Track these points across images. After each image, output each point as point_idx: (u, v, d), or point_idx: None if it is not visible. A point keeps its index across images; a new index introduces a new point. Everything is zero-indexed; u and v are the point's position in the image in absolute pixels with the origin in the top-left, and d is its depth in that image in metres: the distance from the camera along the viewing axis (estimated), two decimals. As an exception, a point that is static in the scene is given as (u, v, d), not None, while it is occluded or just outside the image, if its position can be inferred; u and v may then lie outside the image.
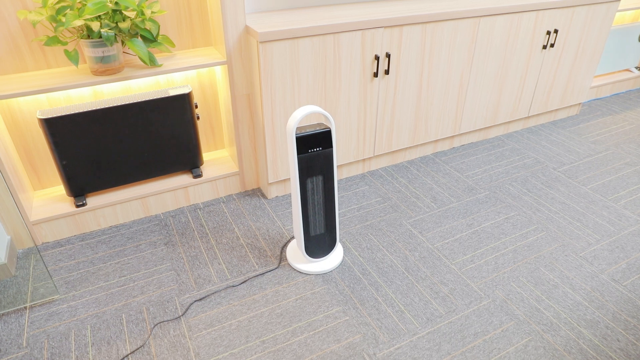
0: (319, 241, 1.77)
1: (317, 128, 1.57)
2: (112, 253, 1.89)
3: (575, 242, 1.93)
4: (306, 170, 1.60)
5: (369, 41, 2.00)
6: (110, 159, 1.95)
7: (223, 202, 2.20)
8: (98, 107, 1.82)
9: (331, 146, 1.60)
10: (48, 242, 1.95)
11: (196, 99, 2.16)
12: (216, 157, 2.31)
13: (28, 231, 1.89)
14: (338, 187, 2.31)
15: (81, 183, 1.94)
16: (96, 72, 1.76)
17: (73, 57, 1.59)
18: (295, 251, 1.86)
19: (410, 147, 2.50)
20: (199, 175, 2.14)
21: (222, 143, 2.37)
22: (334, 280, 1.75)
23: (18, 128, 1.89)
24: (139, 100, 1.88)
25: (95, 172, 1.94)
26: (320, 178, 1.64)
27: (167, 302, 1.66)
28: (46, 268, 1.60)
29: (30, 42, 1.77)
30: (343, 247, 1.91)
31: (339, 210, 2.14)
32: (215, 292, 1.69)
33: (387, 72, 2.10)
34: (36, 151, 1.96)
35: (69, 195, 1.96)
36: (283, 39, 1.82)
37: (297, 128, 1.57)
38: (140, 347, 1.49)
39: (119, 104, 1.85)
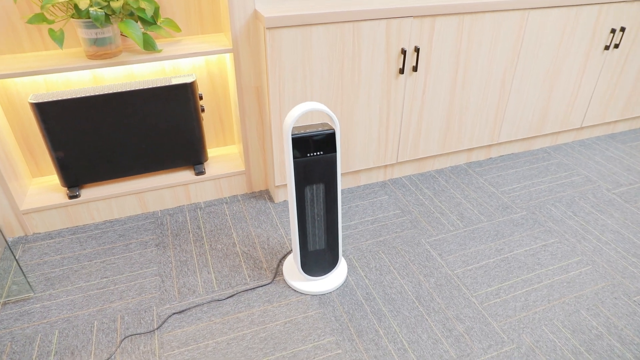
0: (318, 258, 1.55)
1: (320, 129, 1.35)
2: (100, 250, 1.76)
3: (629, 282, 1.60)
4: (304, 177, 1.39)
5: (395, 32, 1.75)
6: (106, 150, 1.82)
7: (226, 203, 2.03)
8: (93, 94, 1.69)
9: (335, 151, 1.38)
10: (39, 233, 1.86)
11: (204, 90, 2.00)
12: (224, 153, 2.14)
13: (17, 220, 1.80)
14: (354, 194, 2.08)
15: (75, 173, 1.83)
16: (90, 56, 1.63)
17: (57, 38, 1.46)
18: (293, 266, 1.66)
19: (439, 155, 2.22)
20: (201, 172, 1.98)
21: (233, 139, 2.20)
22: (332, 304, 1.53)
23: (15, 112, 1.80)
24: (137, 88, 1.73)
25: (91, 162, 1.82)
26: (321, 186, 1.43)
27: (145, 311, 1.50)
28: (19, 267, 1.49)
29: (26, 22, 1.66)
30: (348, 265, 1.68)
31: (346, 223, 1.91)
32: (198, 306, 1.52)
33: (415, 68, 1.85)
34: (34, 137, 1.86)
35: (63, 186, 1.85)
36: (294, 26, 1.61)
37: (297, 127, 1.36)
38: (105, 362, 1.34)
39: (117, 91, 1.71)
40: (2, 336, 1.42)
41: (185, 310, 1.50)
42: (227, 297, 1.55)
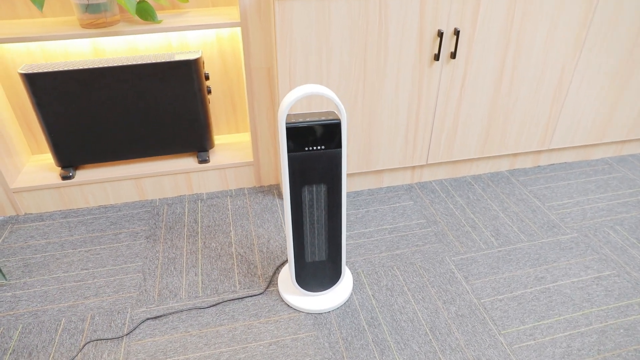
0: (317, 271, 1.33)
1: (323, 118, 1.12)
2: (88, 238, 1.62)
3: None
4: (301, 175, 1.16)
5: (431, 10, 1.48)
6: (103, 129, 1.67)
7: (230, 196, 1.84)
8: (88, 66, 1.54)
9: (340, 146, 1.14)
10: (31, 214, 1.75)
11: (215, 70, 1.80)
12: (234, 141, 1.95)
13: (8, 199, 1.69)
14: (374, 197, 1.83)
15: (70, 153, 1.69)
16: (85, 24, 1.47)
17: (36, 0, 1.31)
18: (289, 277, 1.44)
19: (477, 159, 1.92)
20: (204, 161, 1.80)
21: (246, 126, 2.00)
22: (328, 326, 1.29)
23: (13, 85, 1.68)
24: (135, 63, 1.56)
25: (86, 142, 1.68)
26: (322, 188, 1.19)
27: (118, 312, 1.34)
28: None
29: (22, -17, 1.53)
30: (355, 280, 1.45)
31: (359, 230, 1.66)
32: (176, 312, 1.34)
33: (453, 55, 1.56)
34: (33, 112, 1.75)
35: (57, 165, 1.72)
36: (308, -3, 1.37)
37: (296, 115, 1.13)
38: (61, 368, 1.18)
39: (113, 65, 1.55)
40: (-36, 325, 1.30)
41: (162, 316, 1.32)
42: (210, 306, 1.35)
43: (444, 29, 1.52)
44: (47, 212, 1.75)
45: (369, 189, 1.88)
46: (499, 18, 1.54)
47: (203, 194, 1.85)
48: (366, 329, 1.29)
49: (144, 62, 1.57)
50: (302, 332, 1.27)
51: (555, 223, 1.68)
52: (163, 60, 1.58)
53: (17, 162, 1.73)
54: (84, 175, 1.74)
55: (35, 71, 1.51)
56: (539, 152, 1.97)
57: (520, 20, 1.56)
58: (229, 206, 1.78)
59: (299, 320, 1.31)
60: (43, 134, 1.65)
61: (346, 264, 1.51)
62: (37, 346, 1.24)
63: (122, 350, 1.23)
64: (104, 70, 1.55)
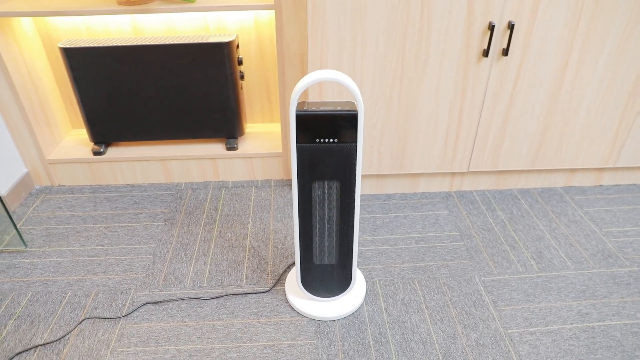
0: (325, 275, 1.22)
1: (339, 108, 1.01)
2: (109, 215, 1.62)
3: None
4: (311, 169, 1.06)
5: (480, 0, 1.32)
6: (134, 108, 1.67)
7: (256, 186, 1.78)
8: (121, 44, 1.54)
9: (356, 140, 1.03)
10: (64, 186, 1.79)
11: (251, 55, 1.75)
12: (266, 131, 1.89)
13: (44, 169, 1.75)
14: (407, 202, 1.69)
15: (102, 129, 1.71)
16: (121, 2, 1.47)
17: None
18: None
19: (527, 171, 1.72)
20: (233, 148, 1.75)
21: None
22: (331, 336, 1.19)
23: (58, 60, 1.73)
24: (168, 43, 1.54)
25: (118, 119, 1.69)
26: (334, 185, 1.09)
27: (121, 292, 1.32)
28: (12, 221, 1.40)
29: (69, -41, 1.56)
30: (369, 290, 1.33)
31: (383, 236, 1.54)
32: (177, 300, 1.29)
33: (505, 51, 1.39)
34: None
35: (91, 141, 1.75)
36: (344, -21, 1.27)
37: (312, 103, 1.04)
38: (56, 340, 1.17)
39: (146, 43, 1.54)
40: (-20, 286, 1.34)
41: (162, 302, 1.29)
42: (212, 298, 1.30)
43: (495, 22, 1.35)
44: (78, 186, 1.79)
45: (402, 193, 1.74)
46: (564, 13, 1.35)
47: (229, 182, 1.81)
48: (371, 345, 1.17)
49: (176, 42, 1.54)
50: (301, 339, 1.18)
51: (612, 252, 1.45)
52: (195, 42, 1.55)
53: (55, 135, 1.78)
54: (114, 152, 1.75)
55: (73, 46, 1.54)
56: (602, 169, 1.73)
57: (589, 16, 1.36)
58: (253, 197, 1.72)
59: (301, 326, 1.22)
60: (79, 109, 1.68)
61: (361, 271, 1.39)
62: (40, 315, 1.25)
63: (117, 331, 1.20)
64: (138, 48, 1.55)
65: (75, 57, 1.55)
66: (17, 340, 1.18)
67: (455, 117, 1.53)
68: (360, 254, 1.45)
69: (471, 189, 1.75)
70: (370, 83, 1.44)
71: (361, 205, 1.67)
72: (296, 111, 1.00)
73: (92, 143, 1.77)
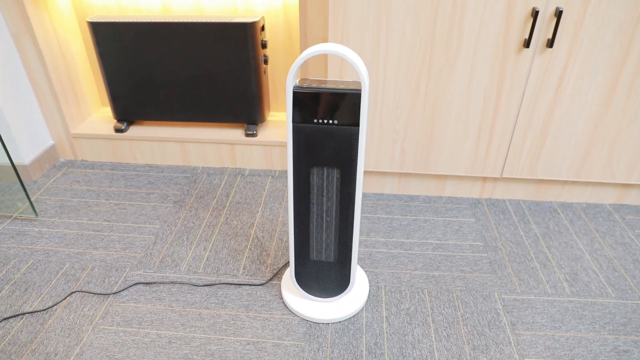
0: (321, 273, 1.12)
1: (342, 87, 0.91)
2: (122, 192, 1.61)
3: None
4: (308, 152, 0.97)
5: (527, -19, 1.17)
6: (156, 87, 1.66)
7: (272, 176, 1.71)
8: (145, 20, 1.53)
9: (358, 123, 0.93)
10: (86, 161, 1.81)
11: (278, 40, 1.69)
12: (289, 120, 1.81)
13: (69, 143, 1.77)
14: (430, 205, 1.55)
15: (124, 106, 1.71)
16: (147, -25, 1.45)
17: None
18: (296, 271, 1.25)
19: (571, 183, 1.52)
20: (252, 135, 1.69)
21: (306, 106, 1.85)
22: (321, 340, 1.09)
23: (89, 37, 1.75)
24: (190, 21, 1.51)
25: (139, 97, 1.69)
26: (335, 173, 0.99)
27: (116, 270, 1.28)
28: (25, 191, 1.41)
29: None
30: (372, 294, 1.21)
31: (399, 239, 1.41)
32: (169, 283, 1.24)
33: (550, 42, 1.22)
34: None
35: (114, 118, 1.76)
36: (369, -46, 1.17)
37: (314, 81, 0.95)
38: (43, 310, 1.16)
39: (169, 20, 1.52)
40: (-13, 249, 1.36)
41: (153, 283, 1.24)
42: (205, 285, 1.23)
43: (539, 7, 1.19)
44: (99, 162, 1.80)
45: (426, 196, 1.60)
46: (624, 1, 1.17)
47: (246, 169, 1.75)
48: (364, 355, 1.05)
49: (198, 20, 1.50)
50: (288, 339, 1.09)
51: (664, 283, 1.24)
52: (218, 20, 1.50)
53: (83, 110, 1.81)
54: (135, 131, 1.75)
55: (100, 20, 1.54)
56: (663, 187, 1.50)
57: (655, 4, 1.17)
58: (267, 186, 1.65)
59: (290, 325, 1.12)
60: (104, 85, 1.69)
61: (367, 274, 1.27)
62: (34, 283, 1.24)
63: (103, 308, 1.16)
64: (161, 25, 1.53)
65: (101, 32, 1.55)
66: (7, 306, 1.17)
67: (488, 115, 1.38)
68: (369, 255, 1.34)
69: (504, 198, 1.58)
70: (394, 71, 1.32)
71: (379, 205, 1.55)
72: (293, 88, 0.92)
73: (115, 120, 1.78)
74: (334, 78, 1.36)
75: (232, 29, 1.51)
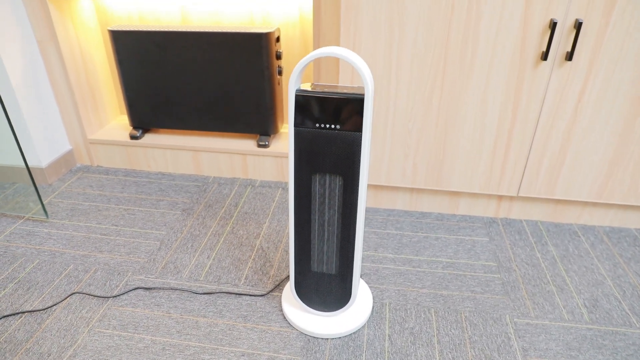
0: (322, 285, 1.08)
1: (345, 91, 0.89)
2: (132, 198, 1.62)
3: None
4: (309, 158, 0.95)
5: (544, -8, 1.13)
6: (171, 95, 1.68)
7: (283, 188, 1.69)
8: (161, 29, 1.56)
9: (361, 129, 0.90)
10: (101, 167, 1.84)
11: (294, 52, 1.69)
12: (302, 133, 1.80)
13: (85, 149, 1.81)
14: (442, 222, 1.50)
15: (140, 113, 1.74)
16: (166, -14, 1.48)
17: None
18: (298, 283, 1.22)
19: (593, 204, 1.45)
20: (264, 145, 1.69)
21: (320, 119, 1.84)
22: (318, 355, 1.04)
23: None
24: (205, 30, 1.53)
25: (154, 105, 1.71)
26: (337, 180, 0.96)
27: (118, 274, 1.28)
28: (38, 193, 1.44)
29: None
30: (375, 311, 1.16)
31: (407, 255, 1.36)
32: (169, 289, 1.22)
33: (569, 55, 1.18)
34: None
35: (130, 125, 1.79)
36: (382, -36, 1.16)
37: (319, 85, 0.93)
38: (42, 309, 1.15)
39: (185, 30, 1.54)
40: (-3, 248, 1.38)
41: (153, 289, 1.22)
42: (204, 293, 1.21)
43: (558, 19, 1.15)
44: (113, 168, 1.82)
45: (439, 213, 1.55)
46: (647, 11, 1.12)
47: (257, 180, 1.74)
48: (362, 373, 1.00)
49: (213, 30, 1.52)
50: (284, 353, 1.04)
51: (694, 314, 1.15)
52: (233, 30, 1.52)
53: (102, 118, 1.84)
54: (149, 138, 1.77)
55: (120, 29, 1.58)
56: (694, 212, 1.41)
57: (682, 17, 1.11)
58: (277, 198, 1.63)
59: (288, 338, 1.08)
60: (121, 92, 1.72)
61: (371, 290, 1.23)
62: (38, 283, 1.24)
63: (101, 310, 1.15)
64: (177, 34, 1.55)
65: (120, 40, 1.59)
66: (9, 304, 1.17)
67: (504, 130, 1.33)
68: (375, 271, 1.29)
69: (521, 218, 1.51)
70: (406, 82, 1.30)
71: (389, 221, 1.51)
72: (296, 91, 0.90)
73: (131, 127, 1.80)
74: (345, 84, 1.34)
75: (247, 39, 1.52)
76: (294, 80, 0.89)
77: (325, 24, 1.43)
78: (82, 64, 1.69)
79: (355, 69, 0.86)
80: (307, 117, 0.91)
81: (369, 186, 1.55)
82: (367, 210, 1.56)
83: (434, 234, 1.45)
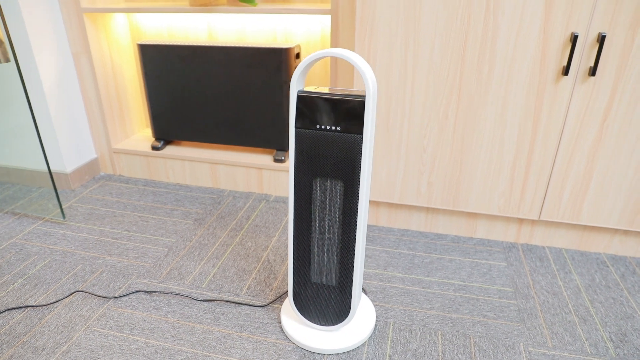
0: (321, 297, 1.04)
1: (347, 93, 0.88)
2: (148, 206, 1.65)
3: None
4: (310, 161, 0.93)
5: (563, 3, 1.10)
6: (192, 108, 1.72)
7: (296, 203, 1.67)
8: (185, 43, 1.61)
9: (361, 131, 0.88)
10: (123, 176, 1.89)
11: (314, 68, 1.71)
12: (320, 150, 1.80)
13: (110, 158, 1.87)
14: (458, 245, 1.43)
15: (162, 125, 1.79)
16: (192, 3, 1.55)
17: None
18: (299, 296, 1.17)
19: (623, 232, 1.35)
20: (280, 160, 1.69)
21: (338, 138, 1.83)
22: (312, 370, 0.99)
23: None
24: (227, 45, 1.58)
25: (175, 117, 1.76)
26: (338, 185, 0.94)
27: (123, 276, 1.28)
28: (57, 197, 1.48)
29: (163, -31, 1.72)
30: (378, 330, 1.10)
31: (418, 276, 1.29)
32: (169, 294, 1.21)
33: (592, 71, 1.13)
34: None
35: (153, 136, 1.84)
36: (397, -23, 1.17)
37: (322, 88, 0.93)
38: (44, 305, 1.16)
39: (208, 45, 1.59)
40: (16, 245, 1.42)
41: (154, 292, 1.21)
42: (204, 300, 1.19)
43: (579, 32, 1.11)
44: (134, 178, 1.87)
45: (455, 235, 1.48)
46: (677, 25, 1.06)
47: (271, 195, 1.73)
48: (357, 393, 0.94)
49: (234, 45, 1.57)
50: (277, 365, 1.00)
51: None
52: (253, 46, 1.56)
53: (127, 129, 1.91)
54: (170, 150, 1.81)
55: (147, 43, 1.65)
56: None
57: None
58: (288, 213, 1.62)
59: (283, 351, 1.04)
60: (146, 104, 1.79)
61: (376, 308, 1.17)
62: (45, 280, 1.26)
63: (101, 310, 1.15)
64: (201, 49, 1.60)
65: (147, 54, 1.66)
66: (15, 297, 1.19)
67: (524, 149, 1.27)
68: (382, 289, 1.24)
69: (544, 244, 1.42)
70: (422, 97, 1.28)
71: (402, 241, 1.45)
72: (297, 92, 0.90)
73: (154, 138, 1.85)
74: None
75: (266, 55, 1.55)
76: (295, 81, 0.89)
77: (343, 39, 1.44)
78: (112, 77, 1.77)
79: (355, 68, 0.84)
80: (308, 119, 0.90)
81: (382, 204, 1.51)
82: (380, 229, 1.52)
83: (448, 255, 1.38)
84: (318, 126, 0.90)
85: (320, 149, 0.91)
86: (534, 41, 1.15)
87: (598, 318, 1.14)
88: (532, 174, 1.30)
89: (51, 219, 1.56)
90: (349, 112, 0.87)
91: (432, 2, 1.16)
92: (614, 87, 1.15)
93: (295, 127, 0.91)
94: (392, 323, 1.12)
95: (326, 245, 1.00)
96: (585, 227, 1.37)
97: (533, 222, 1.41)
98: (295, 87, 0.89)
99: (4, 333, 1.08)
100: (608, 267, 1.32)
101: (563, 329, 1.10)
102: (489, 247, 1.43)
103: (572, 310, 1.16)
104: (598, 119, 1.19)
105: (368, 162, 0.91)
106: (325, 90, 0.91)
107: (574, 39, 1.10)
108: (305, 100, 0.89)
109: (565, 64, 1.15)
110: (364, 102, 0.86)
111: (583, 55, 1.13)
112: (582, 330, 1.10)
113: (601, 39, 1.09)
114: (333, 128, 0.89)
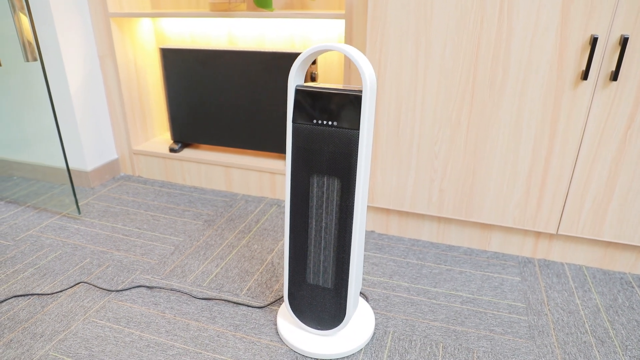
0: (317, 299, 1.01)
1: (345, 88, 0.87)
2: (161, 206, 1.67)
3: None
4: (307, 156, 0.92)
5: (581, 5, 1.05)
6: (209, 112, 1.75)
7: (307, 209, 1.66)
8: (205, 48, 1.65)
9: (358, 127, 0.86)
10: (141, 177, 1.93)
11: (332, 74, 1.71)
12: (334, 157, 1.78)
13: (130, 159, 1.91)
14: (470, 257, 1.37)
15: (180, 128, 1.82)
16: (212, 9, 1.59)
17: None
18: (298, 298, 1.15)
19: (652, 252, 1.25)
20: (292, 165, 1.68)
21: (354, 145, 1.81)
22: (302, 374, 0.95)
23: (165, 64, 1.94)
24: (242, 50, 1.60)
25: (193, 120, 1.79)
26: (335, 183, 0.92)
27: (127, 271, 1.29)
28: (74, 194, 1.53)
29: (188, -22, 1.77)
30: (376, 337, 1.05)
31: (424, 286, 1.24)
32: (169, 291, 1.21)
33: (614, 75, 1.07)
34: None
35: (171, 139, 1.88)
36: (408, -21, 1.15)
37: (322, 84, 0.92)
38: (49, 294, 1.18)
39: (225, 49, 1.62)
40: (32, 237, 1.46)
41: (155, 288, 1.21)
42: (203, 298, 1.18)
43: (600, 34, 1.06)
44: (152, 179, 1.90)
45: (468, 247, 1.42)
46: None
47: (283, 200, 1.73)
48: (346, 400, 0.89)
49: (251, 50, 1.59)
50: (267, 366, 0.97)
51: None
52: (269, 50, 1.57)
53: (148, 132, 1.96)
54: (187, 153, 1.84)
55: (168, 47, 1.70)
56: None
57: None
58: (298, 218, 1.60)
59: (275, 353, 1.01)
60: (166, 107, 1.83)
61: (376, 316, 1.12)
62: (54, 271, 1.29)
63: (101, 302, 1.16)
64: (219, 53, 1.63)
65: (169, 57, 1.71)
66: (23, 285, 1.22)
67: (540, 157, 1.21)
68: (385, 297, 1.19)
69: (563, 261, 1.34)
70: (433, 101, 1.25)
71: (412, 251, 1.40)
72: (295, 86, 0.89)
73: (172, 141, 1.89)
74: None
75: (283, 59, 1.56)
76: (293, 75, 0.88)
77: (356, 43, 1.43)
78: (135, 81, 1.83)
79: (353, 62, 0.82)
80: (306, 113, 0.89)
81: (392, 212, 1.47)
82: (390, 238, 1.47)
83: (458, 267, 1.33)
84: (315, 121, 0.89)
85: (317, 144, 0.90)
86: (550, 44, 1.10)
87: (618, 341, 1.05)
88: (549, 184, 1.23)
89: (68, 214, 1.60)
90: (345, 106, 0.86)
91: (443, 5, 1.14)
92: (638, 92, 1.08)
93: (293, 122, 0.90)
94: (391, 332, 1.07)
95: (323, 244, 0.97)
96: (609, 244, 1.28)
97: (551, 236, 1.33)
98: (293, 81, 0.89)
99: (8, 318, 1.10)
100: (633, 287, 1.23)
101: (577, 350, 1.02)
102: (503, 260, 1.36)
103: (588, 330, 1.08)
104: (621, 127, 1.12)
105: (365, 159, 0.88)
106: (325, 85, 0.89)
107: (594, 41, 1.05)
108: (302, 95, 0.88)
109: (584, 68, 1.10)
110: (360, 97, 0.84)
111: (604, 59, 1.08)
112: (598, 352, 1.02)
113: (623, 42, 1.04)
114: (330, 123, 0.88)
